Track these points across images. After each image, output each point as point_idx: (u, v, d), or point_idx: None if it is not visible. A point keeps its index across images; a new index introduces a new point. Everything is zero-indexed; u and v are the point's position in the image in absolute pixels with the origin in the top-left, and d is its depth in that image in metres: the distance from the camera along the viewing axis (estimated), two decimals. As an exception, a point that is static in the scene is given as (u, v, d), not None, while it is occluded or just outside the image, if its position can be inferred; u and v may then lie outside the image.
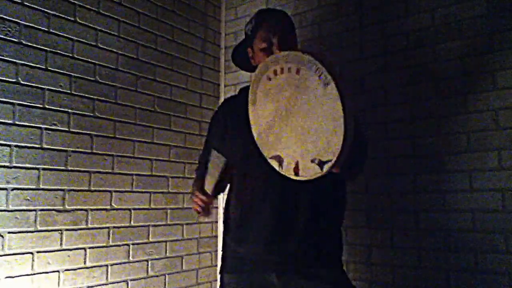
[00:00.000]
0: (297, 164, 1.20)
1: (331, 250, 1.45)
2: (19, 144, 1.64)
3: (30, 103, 1.69)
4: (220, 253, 2.37)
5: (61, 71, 1.80)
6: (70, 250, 1.77)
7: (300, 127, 1.20)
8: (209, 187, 1.41)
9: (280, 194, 1.38)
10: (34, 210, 1.67)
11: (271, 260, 1.39)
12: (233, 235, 1.48)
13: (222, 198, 2.53)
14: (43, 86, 1.73)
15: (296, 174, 1.20)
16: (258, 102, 1.30)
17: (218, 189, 1.44)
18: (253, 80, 1.30)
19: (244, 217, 1.44)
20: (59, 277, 1.72)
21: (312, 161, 1.16)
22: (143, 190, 2.10)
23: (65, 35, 1.82)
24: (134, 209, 2.04)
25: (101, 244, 1.89)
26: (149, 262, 2.09)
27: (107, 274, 1.90)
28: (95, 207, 1.88)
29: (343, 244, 1.52)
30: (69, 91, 1.82)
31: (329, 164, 1.13)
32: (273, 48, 1.42)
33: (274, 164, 1.26)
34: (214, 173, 1.39)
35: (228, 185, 1.56)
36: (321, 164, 1.14)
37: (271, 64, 1.25)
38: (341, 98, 1.09)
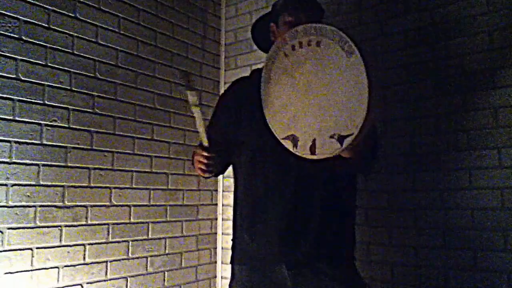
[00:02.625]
0: (314, 142, 1.16)
1: (344, 247, 1.44)
2: (19, 140, 1.64)
3: (30, 99, 1.69)
4: (219, 249, 2.37)
5: (61, 67, 1.80)
6: (70, 246, 1.77)
7: (320, 103, 1.16)
8: (204, 137, 1.32)
9: (294, 186, 1.36)
10: (34, 206, 1.67)
11: (283, 255, 1.37)
12: (245, 227, 1.45)
13: (221, 198, 2.53)
14: (43, 82, 1.73)
15: (313, 153, 1.16)
16: (272, 80, 1.26)
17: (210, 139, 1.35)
18: (268, 57, 1.26)
19: (256, 210, 1.42)
20: (58, 273, 1.73)
21: (332, 136, 1.12)
22: (143, 187, 2.10)
23: (65, 31, 1.82)
24: (134, 205, 2.05)
25: (100, 241, 1.89)
26: (149, 259, 2.09)
27: (106, 270, 1.90)
28: (94, 204, 1.88)
29: (355, 241, 1.50)
30: (69, 87, 1.82)
31: (350, 138, 1.09)
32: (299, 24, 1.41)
33: (288, 144, 1.22)
34: (199, 114, 1.30)
35: (234, 176, 1.55)
36: (341, 139, 1.10)
37: (289, 38, 1.21)
38: (365, 67, 1.07)
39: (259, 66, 1.57)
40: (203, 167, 1.37)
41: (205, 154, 1.34)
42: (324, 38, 1.14)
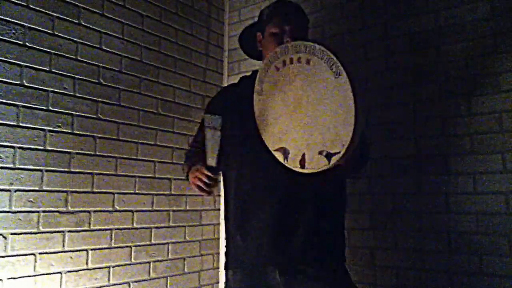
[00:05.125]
0: (303, 156, 1.18)
1: (334, 249, 1.44)
2: (22, 145, 1.65)
3: (34, 105, 1.70)
4: (222, 254, 2.37)
5: (65, 73, 1.81)
6: (73, 251, 1.77)
7: (308, 119, 1.18)
8: (212, 158, 1.32)
9: (282, 192, 1.37)
10: (37, 211, 1.68)
11: (274, 258, 1.38)
12: (236, 232, 1.46)
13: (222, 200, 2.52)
14: (47, 88, 1.74)
15: (302, 166, 1.19)
16: (264, 92, 1.28)
17: (220, 163, 1.34)
18: (261, 70, 1.29)
19: (246, 215, 1.43)
20: (61, 278, 1.73)
21: (320, 153, 1.15)
22: (146, 192, 2.10)
23: (69, 37, 1.83)
24: (137, 211, 2.05)
25: (103, 246, 1.89)
26: (152, 264, 2.09)
27: (109, 275, 1.90)
28: (97, 209, 1.88)
29: (345, 241, 1.50)
30: (72, 93, 1.83)
31: (337, 156, 1.11)
32: (285, 36, 1.42)
33: (279, 156, 1.24)
34: (214, 136, 1.30)
35: (224, 182, 1.56)
36: (328, 156, 1.13)
37: (280, 53, 1.23)
38: (352, 88, 1.08)
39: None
40: (204, 186, 1.36)
41: (209, 174, 1.33)
42: (313, 57, 1.16)
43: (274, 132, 1.26)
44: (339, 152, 1.11)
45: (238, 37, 1.70)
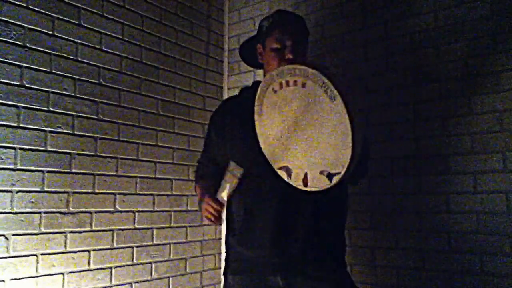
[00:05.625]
0: (306, 175, 1.21)
1: (335, 251, 1.45)
2: (23, 146, 1.65)
3: (35, 106, 1.70)
4: (223, 254, 2.37)
5: (65, 74, 1.81)
6: (75, 252, 1.78)
7: (308, 140, 1.19)
8: (224, 195, 1.43)
9: (283, 196, 1.38)
10: (39, 212, 1.68)
11: (275, 262, 1.38)
12: (237, 237, 1.48)
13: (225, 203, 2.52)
14: (47, 89, 1.74)
15: (305, 185, 1.21)
16: (264, 113, 1.29)
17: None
18: (259, 91, 1.29)
19: (247, 219, 1.44)
20: (63, 279, 1.73)
21: (321, 172, 1.17)
22: (147, 193, 2.10)
23: (69, 38, 1.83)
24: (138, 211, 2.05)
25: (105, 247, 1.89)
26: (153, 265, 2.09)
27: (111, 276, 1.90)
28: (99, 210, 1.88)
29: (346, 245, 1.51)
30: (73, 94, 1.83)
31: (338, 176, 1.14)
32: (286, 51, 1.40)
33: (283, 175, 1.27)
34: (231, 181, 1.41)
35: None
36: (330, 176, 1.15)
37: (276, 76, 1.23)
38: (348, 112, 1.08)
39: (262, 71, 1.58)
40: (213, 219, 1.44)
41: (218, 208, 1.42)
42: (308, 81, 1.15)
43: (276, 151, 1.27)
44: (339, 173, 1.13)
45: (239, 48, 1.69)
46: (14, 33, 1.66)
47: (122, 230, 1.97)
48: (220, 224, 1.49)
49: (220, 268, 2.46)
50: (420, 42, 1.92)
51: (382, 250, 1.94)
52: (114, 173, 1.96)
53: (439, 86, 1.86)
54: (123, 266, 1.96)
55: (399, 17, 1.99)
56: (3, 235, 1.57)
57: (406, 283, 1.85)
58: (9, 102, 1.62)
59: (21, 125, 1.65)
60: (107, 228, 1.91)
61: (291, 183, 1.25)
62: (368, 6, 2.09)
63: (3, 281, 1.55)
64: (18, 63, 1.66)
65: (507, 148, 1.68)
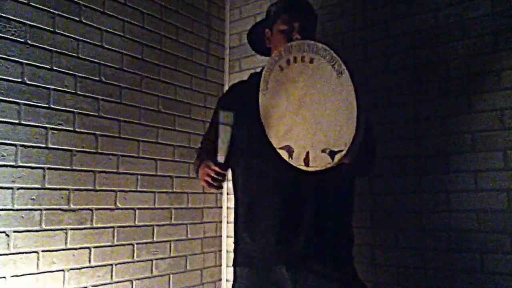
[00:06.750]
0: (307, 154, 1.19)
1: (341, 245, 1.44)
2: (24, 143, 1.65)
3: (36, 102, 1.70)
4: (224, 252, 2.38)
5: (66, 71, 1.81)
6: (75, 249, 1.78)
7: (312, 117, 1.19)
8: (221, 154, 1.35)
9: (288, 188, 1.37)
10: (39, 209, 1.68)
11: (281, 254, 1.38)
12: (243, 229, 1.46)
13: (226, 199, 2.53)
14: (48, 86, 1.74)
15: (307, 164, 1.20)
16: (269, 91, 1.29)
17: (229, 158, 1.38)
18: (266, 69, 1.30)
19: (252, 211, 1.43)
20: (64, 276, 1.73)
21: (323, 151, 1.15)
22: (148, 190, 2.10)
23: (70, 35, 1.83)
24: (139, 208, 2.05)
25: (105, 244, 1.89)
26: (154, 262, 2.09)
27: (111, 273, 1.90)
28: (100, 207, 1.88)
29: (353, 240, 1.49)
30: (74, 91, 1.83)
31: (341, 154, 1.12)
32: (293, 33, 1.41)
33: (284, 154, 1.25)
34: (225, 135, 1.34)
35: (232, 179, 1.56)
36: (332, 154, 1.14)
37: (284, 53, 1.24)
38: (354, 87, 1.09)
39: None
40: (212, 181, 1.38)
41: (217, 169, 1.35)
42: (316, 56, 1.17)
43: (279, 130, 1.27)
44: (342, 150, 1.12)
45: (247, 33, 1.69)
46: (15, 29, 1.65)
47: (123, 227, 1.97)
48: (218, 189, 1.42)
49: (220, 265, 2.46)
50: (421, 41, 1.92)
51: (382, 248, 1.94)
52: (115, 170, 1.96)
53: (440, 84, 1.85)
54: (124, 263, 1.96)
55: (399, 16, 1.99)
56: (4, 232, 1.57)
57: (407, 281, 1.86)
58: (10, 99, 1.62)
59: (22, 122, 1.65)
60: (108, 225, 1.91)
61: (292, 163, 1.23)
62: (368, 5, 2.09)
63: (4, 277, 1.55)
64: (19, 60, 1.66)
65: (508, 146, 1.68)
